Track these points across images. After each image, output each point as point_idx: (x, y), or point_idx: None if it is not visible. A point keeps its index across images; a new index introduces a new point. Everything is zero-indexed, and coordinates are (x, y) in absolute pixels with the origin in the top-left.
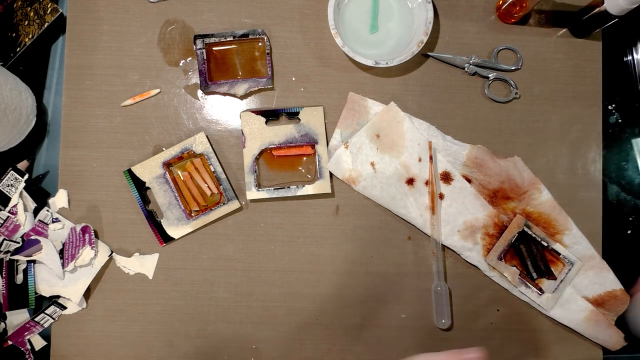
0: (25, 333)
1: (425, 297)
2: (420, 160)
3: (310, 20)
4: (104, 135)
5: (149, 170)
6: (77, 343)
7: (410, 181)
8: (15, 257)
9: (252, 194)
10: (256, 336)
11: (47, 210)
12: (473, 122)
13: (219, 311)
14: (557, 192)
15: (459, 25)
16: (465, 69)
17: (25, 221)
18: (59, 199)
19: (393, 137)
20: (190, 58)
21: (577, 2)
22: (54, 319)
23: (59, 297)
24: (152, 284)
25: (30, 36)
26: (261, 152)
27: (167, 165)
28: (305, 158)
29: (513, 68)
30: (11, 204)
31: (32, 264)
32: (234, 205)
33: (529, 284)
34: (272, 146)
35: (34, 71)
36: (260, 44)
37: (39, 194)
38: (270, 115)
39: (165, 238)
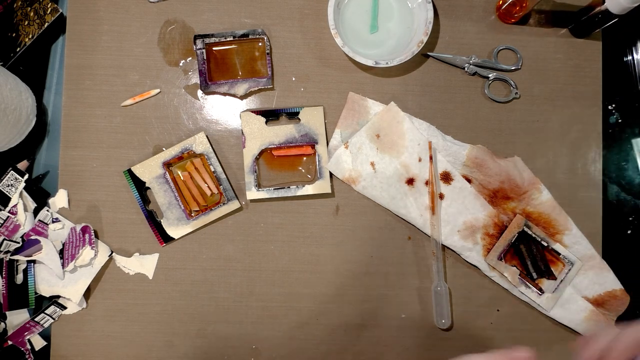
0: (25, 333)
1: (425, 297)
2: (420, 160)
3: (310, 20)
4: (104, 135)
5: (149, 170)
6: (77, 343)
7: (410, 181)
8: (15, 257)
9: (252, 194)
10: (256, 336)
11: (47, 210)
12: (473, 122)
13: (219, 311)
14: (557, 192)
15: (459, 25)
16: (465, 69)
17: (25, 221)
18: (59, 199)
19: (393, 137)
20: (190, 58)
21: (577, 2)
22: (54, 319)
23: (59, 297)
24: (152, 284)
25: (30, 36)
26: (261, 152)
27: (167, 165)
28: (305, 158)
29: (513, 68)
30: (11, 204)
31: (32, 264)
32: (234, 205)
33: (529, 284)
34: (272, 146)
35: (34, 71)
36: (260, 44)
37: (39, 194)
38: (270, 115)
39: (165, 238)
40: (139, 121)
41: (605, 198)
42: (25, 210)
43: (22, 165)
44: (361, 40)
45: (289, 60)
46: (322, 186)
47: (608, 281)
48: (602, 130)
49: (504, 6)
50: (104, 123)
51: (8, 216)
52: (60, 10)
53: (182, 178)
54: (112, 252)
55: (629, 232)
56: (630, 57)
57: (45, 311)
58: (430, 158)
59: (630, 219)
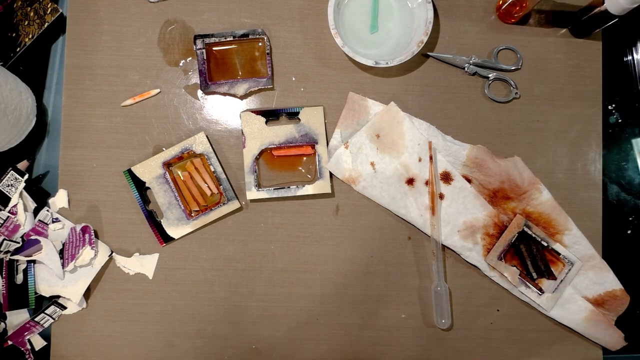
0: (25, 333)
1: (425, 297)
2: (420, 160)
3: (310, 20)
4: (104, 135)
5: (149, 170)
6: (77, 343)
7: (410, 181)
8: (15, 257)
9: (252, 194)
10: (256, 336)
11: (47, 210)
12: (473, 122)
13: (219, 311)
14: (557, 192)
15: (459, 25)
16: (465, 69)
17: (25, 221)
18: (59, 199)
19: (393, 137)
20: (190, 58)
21: (577, 2)
22: (54, 319)
23: (59, 297)
24: (152, 284)
25: (30, 36)
26: (261, 152)
27: (167, 165)
28: (305, 158)
29: (513, 68)
30: (11, 204)
31: (32, 264)
32: (234, 205)
33: (529, 284)
34: (272, 146)
35: (34, 71)
36: (260, 44)
37: (39, 194)
38: (270, 115)
39: (165, 238)
40: (139, 121)
41: (605, 198)
42: (25, 210)
43: (22, 165)
44: (361, 40)
45: (289, 60)
46: (322, 186)
47: (608, 281)
48: (602, 130)
49: (504, 6)
50: (104, 123)
51: (8, 216)
52: (60, 10)
53: (182, 178)
54: (112, 252)
55: (629, 232)
56: (630, 57)
57: (45, 311)
58: (430, 158)
59: (630, 219)
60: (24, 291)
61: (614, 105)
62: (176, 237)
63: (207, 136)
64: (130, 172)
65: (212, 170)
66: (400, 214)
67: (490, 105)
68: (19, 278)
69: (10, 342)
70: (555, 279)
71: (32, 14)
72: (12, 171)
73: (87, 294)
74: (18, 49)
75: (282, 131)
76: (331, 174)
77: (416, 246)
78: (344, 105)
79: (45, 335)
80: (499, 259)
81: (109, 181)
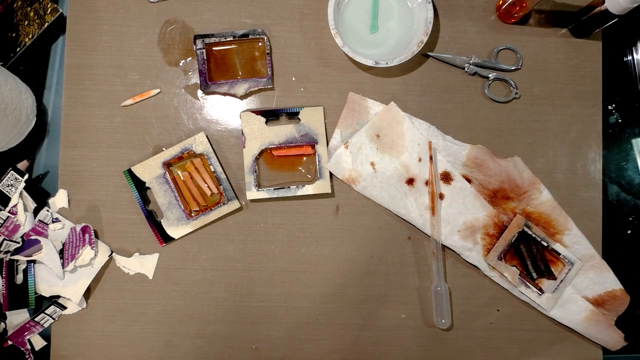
0: (25, 333)
1: (425, 297)
2: (420, 160)
3: (310, 20)
4: (104, 135)
5: (149, 170)
6: (77, 343)
7: (410, 181)
8: (15, 257)
9: (252, 194)
10: (256, 336)
11: (47, 210)
12: (473, 122)
13: (219, 311)
14: (557, 192)
15: (459, 25)
16: (465, 69)
17: (25, 221)
18: (59, 199)
19: (393, 137)
20: (190, 58)
21: (577, 2)
22: (54, 319)
23: (59, 297)
24: (152, 284)
25: (30, 36)
26: (261, 152)
27: (167, 165)
28: (305, 158)
29: (513, 68)
30: (11, 204)
31: (32, 264)
32: (234, 205)
33: (529, 284)
34: (272, 146)
35: (34, 71)
36: (260, 44)
37: (39, 194)
38: (270, 115)
39: (165, 238)
40: (139, 121)
41: (605, 198)
42: (25, 210)
43: (22, 165)
44: (361, 40)
45: (289, 60)
46: (322, 186)
47: (608, 281)
48: (602, 130)
49: (504, 6)
50: (104, 123)
51: (8, 216)
52: (60, 10)
53: (182, 178)
54: (112, 252)
55: (629, 232)
56: (630, 57)
57: (45, 311)
58: (430, 158)
59: (630, 219)
60: (24, 291)
61: (614, 105)
62: (176, 237)
63: (207, 136)
64: (130, 172)
65: (212, 170)
66: (400, 214)
67: (490, 105)
68: (19, 278)
69: (10, 342)
70: (555, 279)
71: (32, 14)
72: (12, 171)
73: (87, 294)
74: (18, 49)
75: (282, 131)
76: (331, 174)
77: (416, 246)
78: (344, 105)
79: (45, 335)
80: (499, 259)
81: (109, 181)
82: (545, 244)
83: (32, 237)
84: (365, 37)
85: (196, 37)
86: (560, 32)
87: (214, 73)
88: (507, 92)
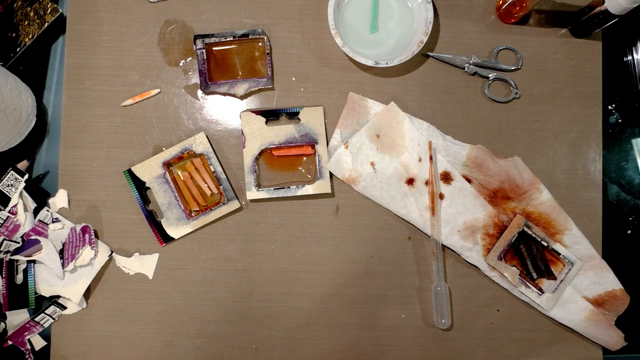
0: (25, 333)
1: (425, 297)
2: (420, 160)
3: (310, 20)
4: (104, 135)
5: (149, 170)
6: (77, 343)
7: (410, 181)
8: (15, 257)
9: (252, 194)
10: (256, 336)
11: (47, 210)
12: (473, 122)
13: (219, 311)
14: (557, 192)
15: (459, 25)
16: (465, 69)
17: (25, 221)
18: (59, 199)
19: (393, 137)
20: (190, 58)
21: (577, 2)
22: (54, 319)
23: (59, 297)
24: (152, 284)
25: (30, 36)
26: (261, 152)
27: (167, 165)
28: (305, 158)
29: (513, 68)
30: (11, 204)
31: (32, 264)
32: (234, 205)
33: (529, 284)
34: (272, 146)
35: (34, 71)
36: (260, 44)
37: (39, 194)
38: (270, 115)
39: (165, 238)
40: (139, 121)
41: (605, 198)
42: (25, 210)
43: (22, 165)
44: (361, 40)
45: (289, 60)
46: (322, 186)
47: (608, 281)
48: (602, 130)
49: (504, 6)
50: (104, 123)
51: (8, 216)
52: (60, 10)
53: (182, 178)
54: (112, 252)
55: (629, 232)
56: (630, 57)
57: (45, 311)
58: (430, 158)
59: (630, 219)
60: (24, 291)
61: (614, 105)
62: (176, 237)
63: (207, 136)
64: (130, 172)
65: (212, 170)
66: (400, 214)
67: (490, 105)
68: (19, 278)
69: (10, 342)
70: (555, 279)
71: (32, 14)
72: (12, 171)
73: (87, 294)
74: (18, 49)
75: (282, 131)
76: (331, 174)
77: (416, 246)
78: (344, 105)
79: (45, 335)
80: (499, 259)
81: (109, 181)
82: (545, 244)
83: (32, 237)
84: (365, 37)
85: (196, 37)
86: (560, 32)
87: (214, 73)
88: (507, 92)
